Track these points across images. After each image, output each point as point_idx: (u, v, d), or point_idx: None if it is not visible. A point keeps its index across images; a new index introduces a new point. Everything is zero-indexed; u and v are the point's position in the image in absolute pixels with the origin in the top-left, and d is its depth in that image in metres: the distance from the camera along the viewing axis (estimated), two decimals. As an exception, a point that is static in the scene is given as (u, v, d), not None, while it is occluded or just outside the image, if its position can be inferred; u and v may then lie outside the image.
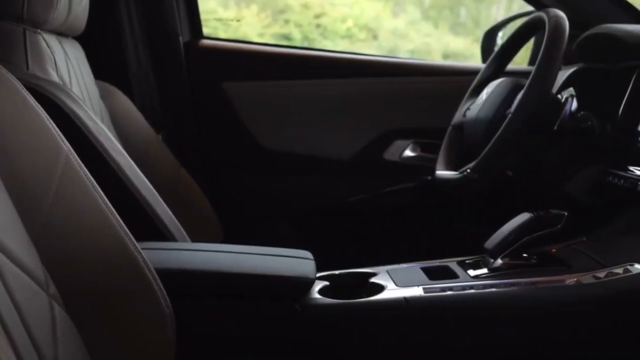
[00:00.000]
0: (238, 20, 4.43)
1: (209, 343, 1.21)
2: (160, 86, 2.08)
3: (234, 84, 2.13)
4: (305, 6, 5.67)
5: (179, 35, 2.08)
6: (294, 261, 1.26)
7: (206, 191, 1.88)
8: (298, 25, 5.57)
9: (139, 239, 1.01)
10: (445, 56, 5.80)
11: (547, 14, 1.55)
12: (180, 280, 1.18)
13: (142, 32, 2.04)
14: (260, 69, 2.16)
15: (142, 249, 1.01)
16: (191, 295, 1.18)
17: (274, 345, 1.22)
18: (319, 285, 1.28)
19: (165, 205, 1.36)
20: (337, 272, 1.36)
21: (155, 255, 1.13)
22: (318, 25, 5.65)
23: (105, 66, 1.79)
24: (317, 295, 1.24)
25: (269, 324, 1.21)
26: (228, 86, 2.11)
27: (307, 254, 1.29)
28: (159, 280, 1.01)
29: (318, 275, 1.30)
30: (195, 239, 1.43)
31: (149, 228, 1.30)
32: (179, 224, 1.38)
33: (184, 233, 1.38)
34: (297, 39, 5.53)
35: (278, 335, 1.22)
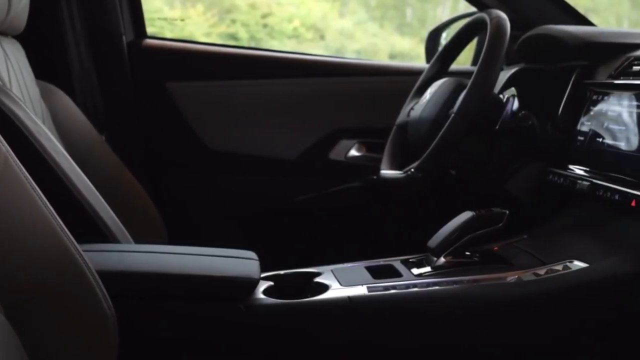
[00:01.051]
0: (182, 20, 4.39)
1: (152, 345, 1.20)
2: (103, 86, 2.05)
3: (178, 83, 2.11)
4: (252, 6, 5.66)
5: (122, 34, 2.05)
6: (238, 262, 1.25)
7: (150, 192, 1.86)
8: (245, 25, 5.55)
9: (81, 240, 1.00)
10: (392, 56, 5.83)
11: (489, 15, 1.57)
12: (123, 282, 1.16)
13: (84, 31, 2.01)
14: (206, 68, 2.15)
15: (83, 250, 0.99)
16: (133, 297, 1.17)
17: (219, 346, 1.22)
18: (263, 285, 1.27)
19: (107, 207, 1.34)
20: (281, 272, 1.36)
21: (97, 256, 1.12)
22: (265, 25, 5.64)
23: (47, 66, 1.76)
24: (262, 296, 1.24)
25: (213, 325, 1.21)
26: (172, 86, 2.10)
27: (252, 254, 1.29)
28: (100, 282, 1.00)
29: (263, 275, 1.30)
30: (138, 240, 1.42)
31: (90, 229, 1.29)
32: (121, 225, 1.36)
33: (127, 234, 1.37)
34: (244, 38, 5.51)
35: (222, 336, 1.21)
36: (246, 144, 2.10)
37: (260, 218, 2.10)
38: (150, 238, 1.70)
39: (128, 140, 2.07)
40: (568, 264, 1.33)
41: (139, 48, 2.11)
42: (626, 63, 1.56)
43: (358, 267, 1.39)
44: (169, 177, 2.12)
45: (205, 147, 2.10)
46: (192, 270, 1.21)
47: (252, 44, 5.64)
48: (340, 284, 1.29)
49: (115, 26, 2.04)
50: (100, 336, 1.00)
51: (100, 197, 1.34)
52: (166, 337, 1.20)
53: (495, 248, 1.45)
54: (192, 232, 2.05)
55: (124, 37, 2.06)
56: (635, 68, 1.52)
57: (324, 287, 1.28)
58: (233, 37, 5.48)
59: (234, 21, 5.56)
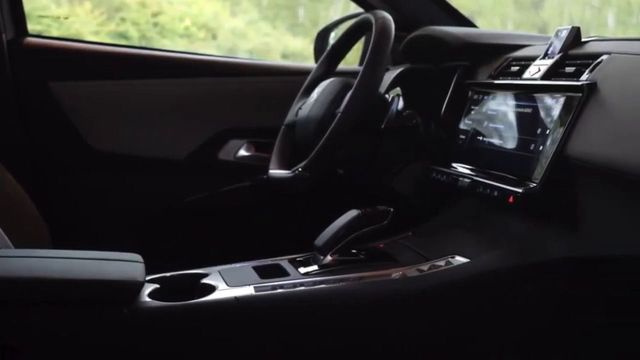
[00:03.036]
0: (66, 18, 4.28)
1: (34, 352, 1.16)
2: (-19, 86, 1.98)
3: (62, 83, 2.05)
4: (142, 4, 5.57)
5: (2, 32, 1.98)
6: (122, 264, 1.23)
7: (35, 195, 1.80)
8: (135, 24, 5.46)
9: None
10: (285, 56, 5.85)
11: (374, 15, 1.59)
12: (2, 289, 1.13)
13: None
14: (92, 68, 2.09)
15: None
16: (14, 303, 1.14)
17: (104, 351, 1.19)
18: (149, 288, 1.26)
19: (-15, 211, 1.30)
20: (168, 274, 1.35)
21: (-28, 263, 1.08)
22: (156, 24, 5.57)
23: None
24: (147, 299, 1.22)
25: (97, 329, 1.18)
26: (56, 86, 2.03)
27: (137, 256, 1.27)
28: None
29: (148, 278, 1.28)
30: (19, 244, 1.37)
31: None
32: (0, 230, 1.31)
33: (6, 239, 1.32)
34: (134, 37, 5.42)
35: (107, 340, 1.19)
36: (133, 144, 2.07)
37: (149, 219, 2.07)
38: (33, 243, 1.65)
39: (10, 142, 2.00)
40: (450, 259, 1.36)
41: (20, 47, 2.04)
42: (505, 64, 1.61)
43: (245, 267, 1.39)
44: (53, 179, 2.06)
45: (91, 148, 2.05)
46: (73, 274, 1.18)
47: (143, 43, 5.55)
48: (227, 285, 1.29)
49: (-6, 23, 1.97)
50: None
51: None
52: (49, 344, 1.17)
53: (381, 245, 1.47)
54: (78, 235, 2.00)
55: (3, 35, 1.99)
56: (514, 68, 1.57)
57: (211, 288, 1.28)
58: (123, 35, 5.38)
59: (123, 19, 5.47)
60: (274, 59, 5.41)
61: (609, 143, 1.17)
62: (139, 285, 1.20)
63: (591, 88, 1.26)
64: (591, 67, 1.32)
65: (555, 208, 1.30)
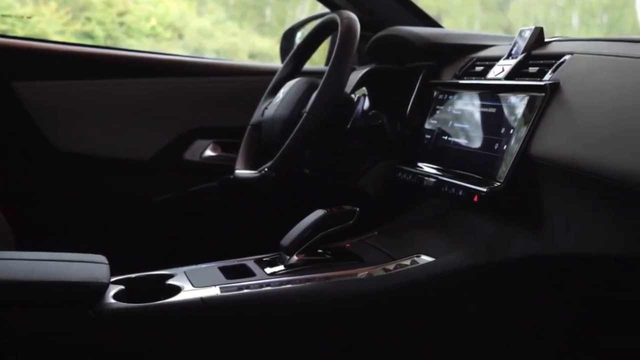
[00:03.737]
0: (30, 17, 4.23)
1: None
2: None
3: (27, 83, 2.03)
4: (108, 4, 5.54)
5: (-36, 32, 1.96)
6: (87, 266, 1.22)
7: (-3, 197, 1.78)
8: (100, 23, 5.42)
9: None
10: (252, 56, 5.84)
11: (340, 16, 1.59)
12: None
13: None
14: (57, 68, 2.07)
15: None
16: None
17: (69, 353, 1.18)
18: (114, 289, 1.25)
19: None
20: (133, 275, 1.34)
21: None
22: (121, 24, 5.53)
23: None
24: (112, 300, 1.21)
25: (61, 331, 1.17)
26: (20, 86, 2.01)
27: (101, 258, 1.26)
28: None
29: (113, 279, 1.27)
30: (-19, 247, 1.36)
31: None
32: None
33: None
34: (100, 37, 5.38)
35: (72, 342, 1.18)
36: (98, 144, 2.05)
37: (115, 220, 2.06)
38: None
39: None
40: (415, 258, 1.37)
41: None
42: (470, 64, 1.62)
43: (211, 268, 1.38)
44: (18, 180, 2.03)
45: (55, 149, 2.02)
46: (36, 276, 1.17)
47: (109, 43, 5.51)
48: (193, 286, 1.28)
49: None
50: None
51: None
52: (12, 346, 1.15)
53: (347, 245, 1.48)
54: (44, 237, 1.98)
55: (-36, 35, 1.96)
56: (478, 68, 1.58)
57: (177, 289, 1.27)
58: (88, 35, 5.34)
59: (89, 19, 5.42)
60: (242, 59, 5.41)
61: (571, 142, 1.18)
62: (103, 287, 1.19)
63: (554, 88, 1.27)
64: (554, 67, 1.33)
65: (519, 207, 1.31)
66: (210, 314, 1.23)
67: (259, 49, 5.82)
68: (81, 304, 1.17)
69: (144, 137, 2.07)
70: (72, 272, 1.20)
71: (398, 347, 1.34)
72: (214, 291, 1.26)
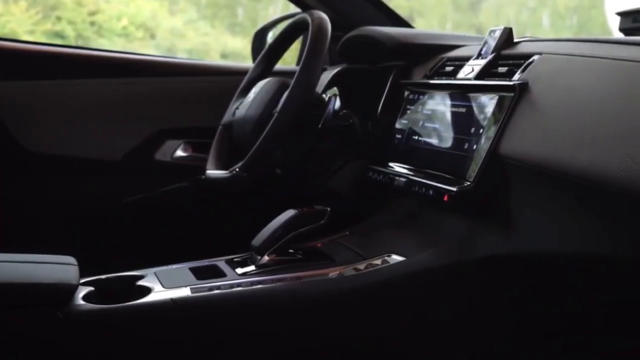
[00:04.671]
0: (-1, 16, 4.19)
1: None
2: None
3: None
4: (79, 3, 5.50)
5: None
6: (56, 267, 1.21)
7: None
8: (71, 23, 5.39)
9: None
10: (224, 56, 5.83)
11: (311, 15, 1.59)
12: None
13: None
14: (27, 68, 2.05)
15: None
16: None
17: (38, 355, 1.17)
18: (83, 291, 1.24)
19: None
20: (103, 276, 1.33)
21: None
22: (92, 23, 5.50)
23: None
24: (81, 302, 1.20)
25: (30, 333, 1.16)
26: None
27: (71, 259, 1.25)
28: None
29: (83, 280, 1.27)
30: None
31: None
32: None
33: None
34: (71, 36, 5.35)
35: (41, 344, 1.17)
36: (69, 145, 2.03)
37: (86, 221, 2.04)
38: None
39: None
40: (386, 258, 1.37)
41: None
42: (440, 64, 1.63)
43: (182, 269, 1.38)
44: None
45: (24, 149, 2.00)
46: (4, 277, 1.16)
47: (80, 43, 5.48)
48: (164, 287, 1.28)
49: None
50: None
51: None
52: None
53: (319, 245, 1.48)
54: (13, 238, 1.96)
55: None
56: (448, 68, 1.59)
57: (147, 290, 1.26)
58: (59, 35, 5.31)
59: (59, 18, 5.39)
60: (214, 59, 5.39)
61: (539, 141, 1.19)
62: (72, 288, 1.18)
63: (523, 88, 1.28)
64: (523, 67, 1.34)
65: (489, 206, 1.32)
66: (180, 314, 1.23)
67: (231, 48, 5.81)
68: (50, 306, 1.16)
69: (114, 137, 2.06)
70: (41, 273, 1.19)
71: (369, 346, 1.34)
72: (184, 292, 1.25)
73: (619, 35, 1.47)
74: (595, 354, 1.43)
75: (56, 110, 2.03)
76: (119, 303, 1.21)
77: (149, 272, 1.35)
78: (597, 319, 1.38)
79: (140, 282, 1.30)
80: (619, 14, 1.48)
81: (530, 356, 1.45)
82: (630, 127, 1.01)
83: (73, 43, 5.32)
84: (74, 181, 2.05)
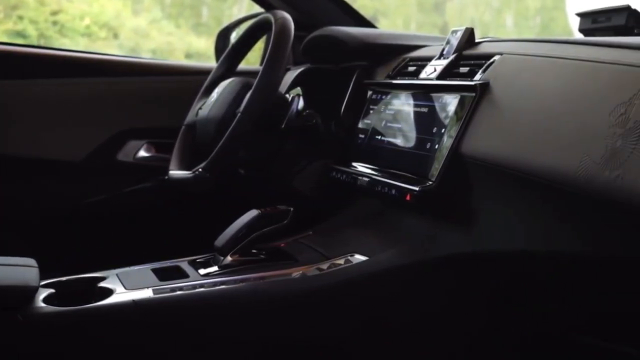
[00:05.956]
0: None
1: None
2: None
3: None
4: (41, 2, 5.44)
5: None
6: (15, 269, 1.20)
7: None
8: (33, 22, 5.33)
9: None
10: (189, 55, 5.81)
11: (274, 15, 1.59)
12: None
13: None
14: None
15: None
16: None
17: (-1, 358, 1.16)
18: (43, 293, 1.23)
19: None
20: (64, 278, 1.31)
21: None
22: (55, 23, 5.44)
23: None
24: (41, 304, 1.19)
25: None
26: None
27: (31, 261, 1.24)
28: None
29: (44, 282, 1.25)
30: None
31: None
32: None
33: None
34: (33, 36, 5.29)
35: (1, 347, 1.15)
36: (29, 146, 2.00)
37: (46, 223, 2.01)
38: None
39: None
40: (349, 257, 1.38)
41: None
42: (402, 64, 1.64)
43: (144, 270, 1.37)
44: None
45: None
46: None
47: (42, 42, 5.42)
48: (125, 288, 1.27)
49: None
50: None
51: None
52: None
53: (282, 245, 1.48)
54: None
55: None
56: (411, 68, 1.60)
57: (108, 292, 1.25)
58: (20, 34, 5.25)
59: (21, 18, 5.33)
60: (178, 59, 5.37)
61: (500, 141, 1.20)
62: (32, 291, 1.17)
63: (484, 88, 1.29)
64: (484, 67, 1.35)
65: (451, 205, 1.33)
66: (142, 316, 1.22)
67: (196, 48, 5.79)
68: (10, 308, 1.15)
69: (76, 138, 2.04)
70: (0, 275, 1.17)
71: (333, 346, 1.34)
72: (146, 293, 1.25)
73: (578, 36, 1.48)
74: (563, 354, 1.44)
75: (16, 111, 2.01)
76: (80, 305, 1.20)
77: (111, 274, 1.34)
78: (563, 318, 1.39)
79: (102, 284, 1.29)
80: (578, 14, 1.49)
81: (497, 356, 1.46)
82: (588, 126, 1.02)
83: (35, 42, 5.26)
84: (33, 182, 2.02)
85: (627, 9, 1.38)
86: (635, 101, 0.96)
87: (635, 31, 1.37)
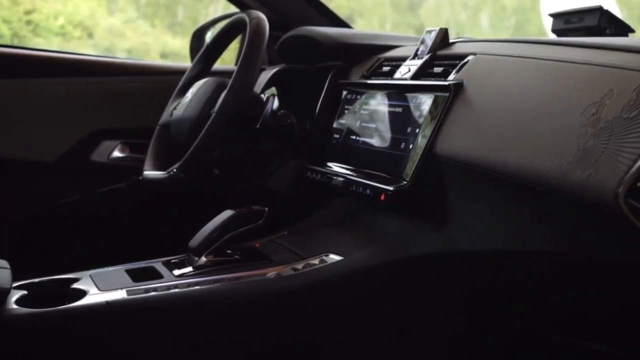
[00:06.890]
0: None
1: None
2: None
3: None
4: (14, 2, 5.39)
5: None
6: None
7: None
8: (6, 22, 5.28)
9: None
10: (164, 55, 5.79)
11: (249, 15, 1.58)
12: None
13: None
14: None
15: None
16: None
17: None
18: (16, 294, 1.22)
19: None
20: (36, 280, 1.30)
21: None
22: (29, 22, 5.40)
23: None
24: (14, 306, 1.18)
25: None
26: None
27: (3, 262, 1.23)
28: None
29: (16, 284, 1.24)
30: None
31: None
32: None
33: None
34: (6, 35, 5.25)
35: None
36: (1, 146, 1.98)
37: (19, 224, 2.00)
38: None
39: None
40: (324, 257, 1.38)
41: None
42: (377, 64, 1.64)
43: (118, 271, 1.36)
44: None
45: None
46: None
47: (16, 42, 5.38)
48: (99, 289, 1.26)
49: None
50: None
51: None
52: None
53: (257, 245, 1.48)
54: None
55: None
56: (385, 68, 1.60)
57: (82, 293, 1.25)
58: (-7, 34, 5.20)
59: (-6, 17, 5.28)
60: (153, 59, 5.35)
61: (474, 141, 1.21)
62: (4, 292, 1.16)
63: (457, 88, 1.30)
64: (458, 67, 1.36)
65: (426, 205, 1.33)
66: (116, 317, 1.21)
67: (171, 48, 5.76)
68: None
69: (49, 138, 2.02)
70: None
71: (308, 346, 1.34)
72: (120, 294, 1.24)
73: (551, 36, 1.49)
74: (541, 353, 1.45)
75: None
76: (53, 307, 1.19)
77: (84, 275, 1.33)
78: (542, 318, 1.40)
79: (75, 285, 1.28)
80: (551, 15, 1.50)
81: (479, 356, 1.46)
82: (560, 126, 1.03)
83: (8, 42, 5.22)
84: (5, 183, 2.00)
85: (599, 9, 1.39)
86: (606, 101, 0.96)
87: (607, 32, 1.38)
